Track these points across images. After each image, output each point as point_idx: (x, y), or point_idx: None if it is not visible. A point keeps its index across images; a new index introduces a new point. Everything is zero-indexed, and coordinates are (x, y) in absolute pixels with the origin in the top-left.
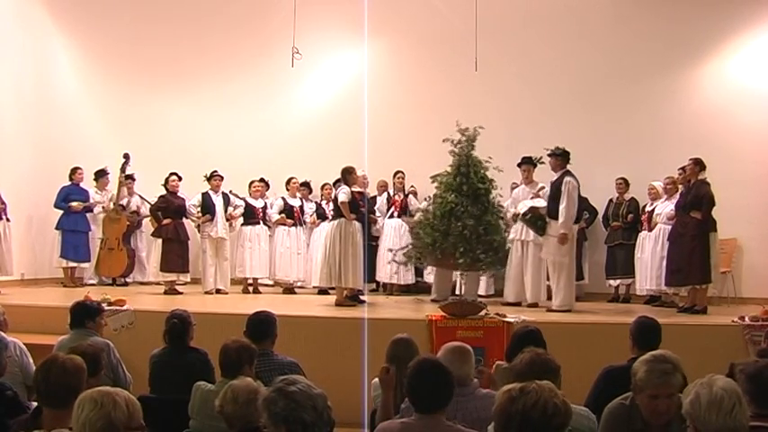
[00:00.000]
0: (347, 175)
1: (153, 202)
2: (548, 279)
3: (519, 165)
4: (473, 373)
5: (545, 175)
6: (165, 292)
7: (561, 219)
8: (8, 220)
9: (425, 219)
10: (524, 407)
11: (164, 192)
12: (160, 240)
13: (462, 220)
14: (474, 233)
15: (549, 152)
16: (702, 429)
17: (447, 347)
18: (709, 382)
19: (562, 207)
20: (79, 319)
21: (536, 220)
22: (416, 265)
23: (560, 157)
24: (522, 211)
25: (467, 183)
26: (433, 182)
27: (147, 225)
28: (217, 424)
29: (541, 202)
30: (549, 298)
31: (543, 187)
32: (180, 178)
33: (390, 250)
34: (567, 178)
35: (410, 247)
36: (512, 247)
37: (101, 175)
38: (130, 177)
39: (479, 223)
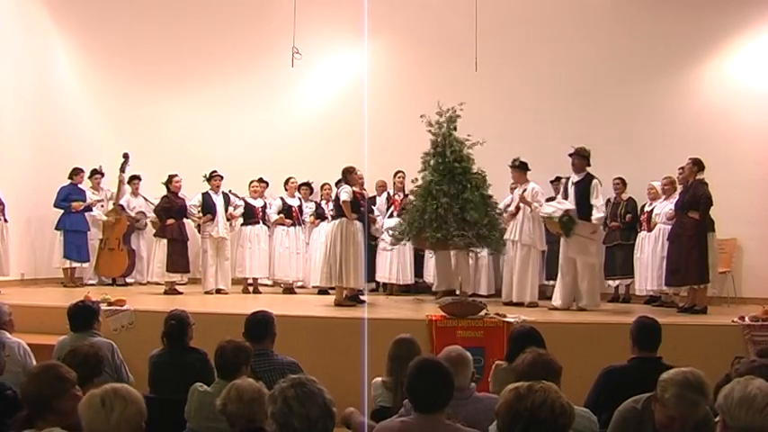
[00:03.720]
0: (348, 175)
1: (155, 203)
2: (547, 279)
3: (510, 165)
4: (471, 378)
5: (538, 175)
6: (166, 292)
7: (598, 213)
8: (6, 220)
9: (410, 201)
10: (533, 405)
11: (164, 192)
12: (164, 241)
13: (437, 198)
14: (449, 211)
15: (572, 151)
16: (731, 424)
17: (447, 356)
18: (747, 380)
19: (596, 201)
20: (86, 321)
21: (570, 222)
22: (397, 243)
23: (585, 159)
24: (550, 213)
25: (442, 162)
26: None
27: (148, 225)
28: (215, 425)
29: (569, 205)
30: (551, 298)
31: (533, 188)
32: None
33: (388, 229)
34: (595, 180)
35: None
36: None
37: (94, 174)
38: (137, 178)
39: (455, 201)
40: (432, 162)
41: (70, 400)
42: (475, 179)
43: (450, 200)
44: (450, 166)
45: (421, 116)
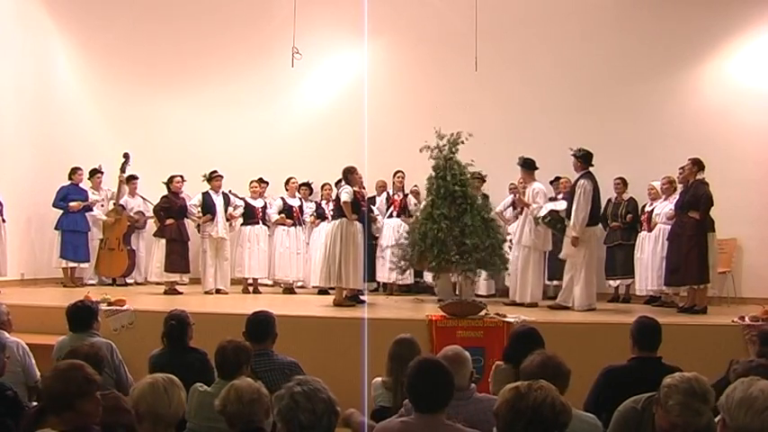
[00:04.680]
0: (349, 175)
1: (155, 203)
2: (548, 279)
3: (518, 164)
4: (470, 377)
5: (545, 174)
6: (165, 292)
7: (571, 222)
8: (4, 220)
9: (414, 225)
10: (534, 403)
11: (164, 192)
12: (163, 241)
13: (438, 222)
14: (448, 234)
15: (572, 153)
16: (730, 424)
17: (444, 355)
18: (751, 381)
19: (573, 210)
20: (85, 321)
21: (555, 223)
22: (402, 269)
23: (581, 159)
24: (541, 214)
25: (443, 185)
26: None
27: (149, 225)
28: (215, 425)
29: (562, 205)
30: (552, 297)
31: (534, 188)
32: (183, 179)
33: (389, 246)
34: (582, 181)
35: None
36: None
37: (94, 173)
38: (134, 178)
39: (456, 225)
40: (435, 185)
41: (92, 402)
42: (476, 203)
43: (450, 222)
44: (450, 189)
45: (420, 150)
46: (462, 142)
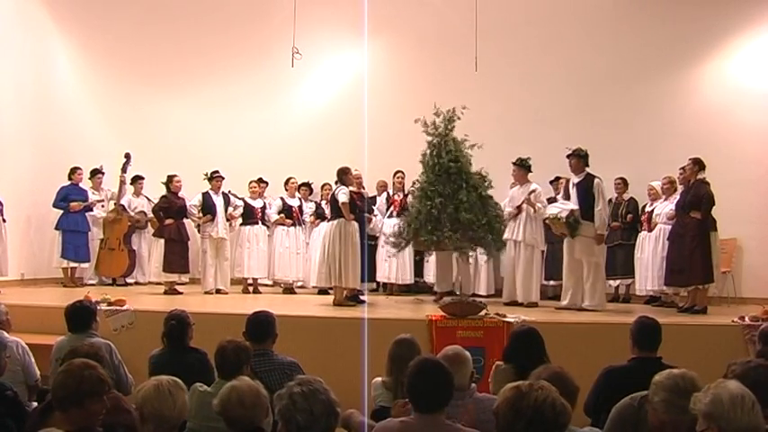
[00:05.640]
0: (343, 176)
1: (155, 203)
2: (546, 279)
3: (513, 163)
4: (470, 377)
5: (538, 175)
6: (165, 292)
7: (598, 221)
8: (4, 220)
9: (410, 203)
10: (536, 403)
11: (164, 192)
12: (162, 241)
13: (432, 198)
14: (443, 212)
15: (570, 152)
16: (728, 427)
17: (444, 355)
18: (725, 383)
19: (598, 209)
20: (84, 322)
21: (575, 222)
22: (397, 249)
23: (583, 159)
24: (556, 213)
25: (438, 162)
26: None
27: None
28: (215, 425)
29: (573, 205)
30: (551, 298)
31: (535, 190)
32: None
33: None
34: (597, 180)
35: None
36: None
37: (94, 174)
38: (140, 178)
39: (450, 201)
40: (430, 163)
41: (100, 403)
42: (472, 179)
43: (445, 200)
44: (445, 166)
45: (416, 120)
46: (458, 118)
